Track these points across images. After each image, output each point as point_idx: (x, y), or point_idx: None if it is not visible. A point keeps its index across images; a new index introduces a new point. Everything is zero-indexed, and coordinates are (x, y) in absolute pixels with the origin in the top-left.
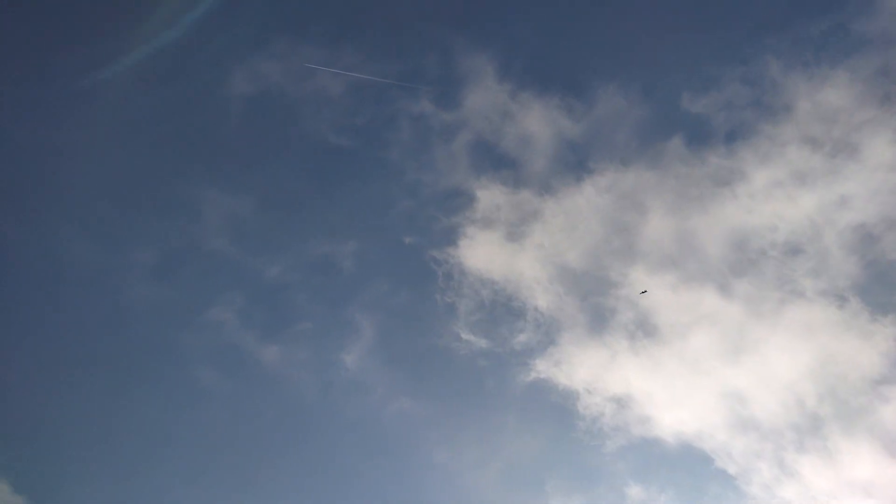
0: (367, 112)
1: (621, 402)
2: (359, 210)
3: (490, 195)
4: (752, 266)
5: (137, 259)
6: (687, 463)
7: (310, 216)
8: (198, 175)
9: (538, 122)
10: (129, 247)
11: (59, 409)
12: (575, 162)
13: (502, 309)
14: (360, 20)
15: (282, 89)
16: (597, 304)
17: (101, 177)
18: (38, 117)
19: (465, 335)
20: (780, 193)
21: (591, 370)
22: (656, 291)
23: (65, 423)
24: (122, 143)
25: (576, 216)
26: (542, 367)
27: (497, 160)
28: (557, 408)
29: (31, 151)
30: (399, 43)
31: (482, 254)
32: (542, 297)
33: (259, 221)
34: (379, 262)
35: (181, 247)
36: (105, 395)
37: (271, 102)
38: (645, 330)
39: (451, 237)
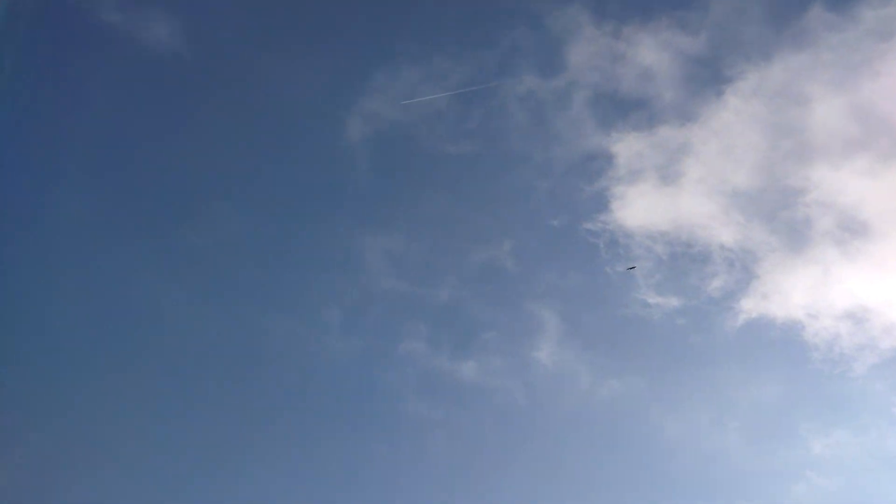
0: (475, 114)
1: (855, 317)
2: (502, 209)
3: (627, 146)
4: None
5: (326, 320)
6: None
7: (458, 230)
8: (349, 224)
9: (653, 52)
10: (317, 311)
11: (289, 466)
12: (708, 77)
13: (684, 259)
14: (432, 37)
15: (392, 124)
16: (787, 219)
17: (274, 247)
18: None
19: (651, 299)
20: None
21: (806, 293)
22: (851, 183)
23: (296, 477)
24: (276, 214)
25: (729, 134)
26: (751, 306)
27: (622, 107)
28: (782, 344)
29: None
30: (480, 36)
31: (640, 209)
32: (723, 232)
33: (414, 252)
34: (538, 253)
35: (357, 296)
36: (328, 450)
37: (386, 138)
38: (852, 230)
39: (600, 204)
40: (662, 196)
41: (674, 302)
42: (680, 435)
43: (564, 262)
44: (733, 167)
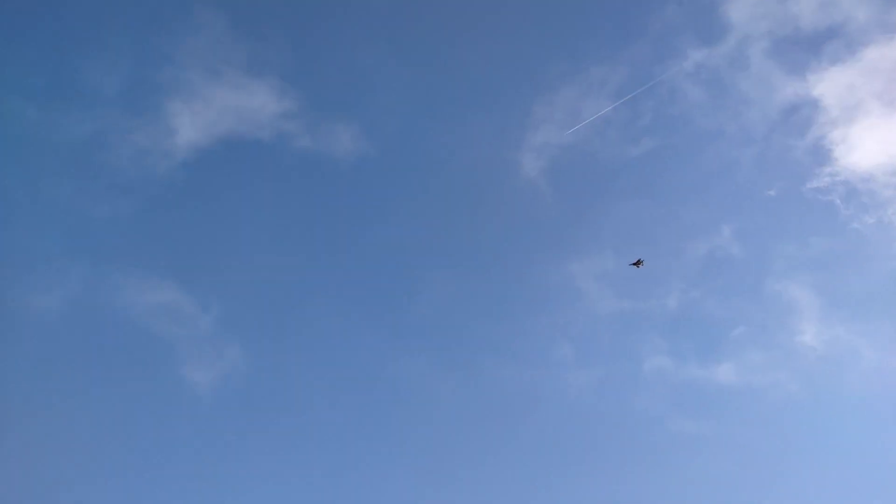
0: (646, 109)
1: None
2: (706, 195)
3: (831, 83)
4: None
5: (558, 357)
6: None
7: (664, 231)
8: (551, 257)
9: None
10: (547, 350)
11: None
12: None
13: None
14: (581, 49)
15: (563, 149)
16: None
17: (488, 300)
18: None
19: None
20: None
21: None
22: None
23: None
24: (483, 268)
25: None
26: None
27: (810, 45)
28: None
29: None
30: (628, 29)
31: (871, 146)
32: None
33: (624, 266)
34: (764, 229)
35: (582, 326)
36: (600, 486)
37: (561, 163)
38: None
39: (819, 156)
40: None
41: None
42: None
43: (799, 231)
44: None
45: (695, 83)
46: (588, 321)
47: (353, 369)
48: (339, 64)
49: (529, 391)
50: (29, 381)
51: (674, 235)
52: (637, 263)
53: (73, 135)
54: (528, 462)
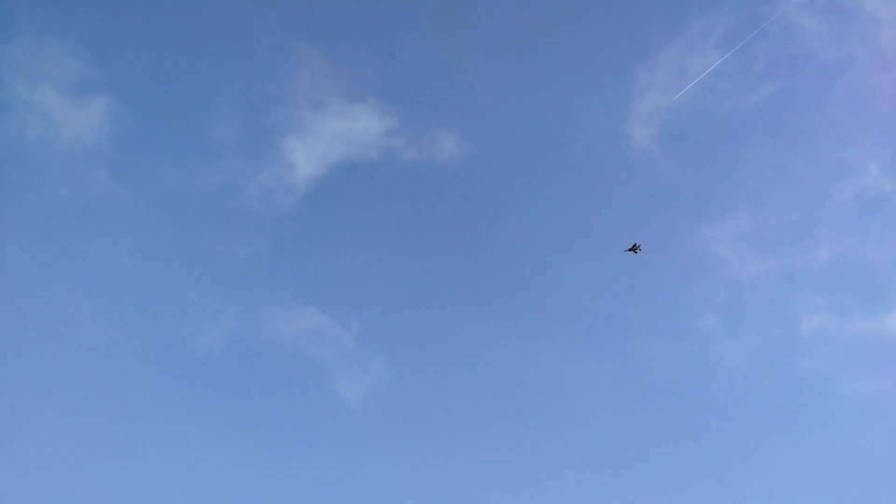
0: (760, 52)
1: None
2: (857, 125)
3: None
4: None
5: (705, 330)
6: None
7: (799, 177)
8: (685, 224)
9: None
10: (692, 325)
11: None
12: None
13: None
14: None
15: (673, 111)
16: None
17: (622, 284)
18: None
19: None
20: None
21: None
22: None
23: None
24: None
25: None
26: None
27: None
28: None
29: None
30: None
31: None
32: None
33: (764, 220)
34: None
35: (726, 294)
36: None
37: (673, 126)
38: None
39: None
40: None
41: None
42: None
43: None
44: None
45: (811, 14)
46: (732, 288)
47: (498, 368)
48: (431, 73)
49: (682, 370)
50: (199, 415)
51: (813, 181)
52: (634, 249)
53: (208, 185)
54: (697, 444)
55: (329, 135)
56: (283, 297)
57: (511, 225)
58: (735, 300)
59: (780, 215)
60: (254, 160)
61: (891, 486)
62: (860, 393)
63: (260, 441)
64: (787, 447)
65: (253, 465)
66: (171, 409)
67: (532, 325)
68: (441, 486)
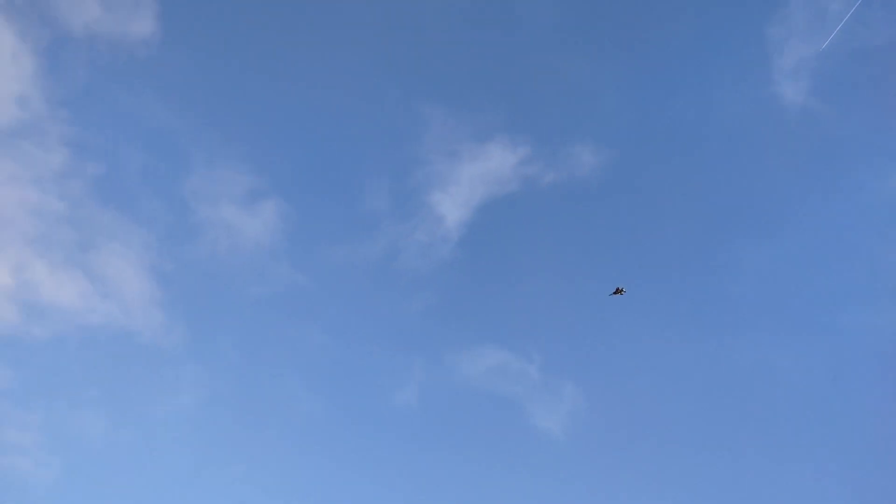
0: None
1: None
2: None
3: None
4: None
5: None
6: None
7: None
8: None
9: None
10: None
11: None
12: None
13: None
14: None
15: (825, 63)
16: None
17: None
18: None
19: None
20: None
21: None
22: None
23: None
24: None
25: None
26: None
27: None
28: None
29: None
30: None
31: None
32: None
33: None
34: None
35: None
36: None
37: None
38: None
39: None
40: None
41: None
42: None
43: None
44: None
45: None
46: None
47: (697, 371)
48: (549, 92)
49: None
50: (409, 465)
51: None
52: (618, 291)
53: (372, 253)
54: None
55: (468, 179)
56: (462, 342)
57: (671, 219)
58: None
59: None
60: (406, 221)
61: None
62: None
63: (475, 482)
64: None
65: None
66: (383, 462)
67: (723, 318)
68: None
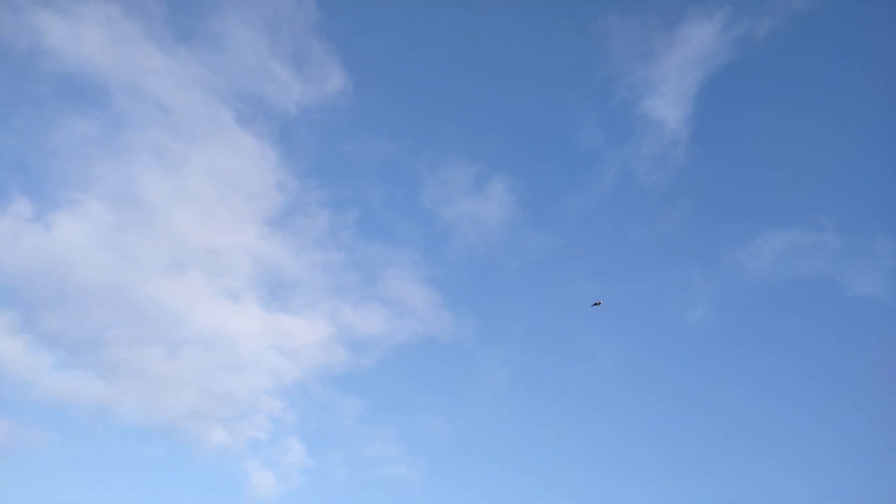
0: None
1: None
2: None
3: None
4: None
5: None
6: None
7: None
8: None
9: None
10: None
11: None
12: None
13: None
14: None
15: None
16: None
17: None
18: None
19: None
20: None
21: None
22: None
23: None
24: None
25: None
26: None
27: None
28: None
29: None
30: None
31: None
32: None
33: None
34: None
35: None
36: None
37: None
38: None
39: None
40: None
41: None
42: None
43: None
44: None
45: None
46: None
47: None
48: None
49: None
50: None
51: None
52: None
53: (608, 187)
54: None
55: (674, 71)
56: (738, 237)
57: None
58: None
59: None
60: (626, 142)
61: None
62: None
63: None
64: None
65: None
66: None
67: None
68: None
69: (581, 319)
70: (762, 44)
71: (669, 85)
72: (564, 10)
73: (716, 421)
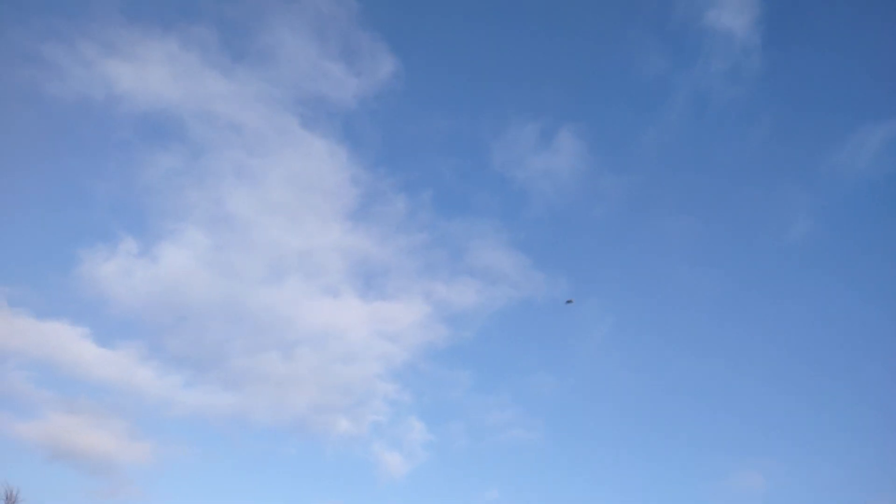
0: None
1: None
2: None
3: None
4: None
5: None
6: None
7: None
8: None
9: None
10: None
11: None
12: None
13: None
14: None
15: None
16: None
17: None
18: None
19: None
20: None
21: None
22: None
23: None
24: None
25: None
26: None
27: None
28: None
29: None
30: None
31: None
32: None
33: None
34: None
35: None
36: None
37: None
38: None
39: None
40: None
41: None
42: None
43: None
44: None
45: None
46: None
47: None
48: None
49: None
50: None
51: None
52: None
53: (681, 111)
54: None
55: None
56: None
57: None
58: None
59: None
60: (694, 61)
61: None
62: None
63: None
64: None
65: None
66: None
67: None
68: None
69: (675, 256)
70: None
71: None
72: None
73: (841, 342)
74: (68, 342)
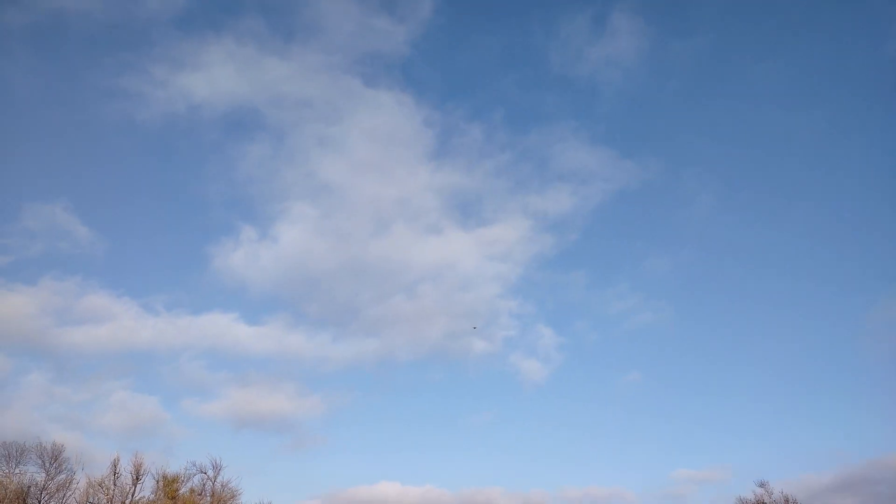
0: None
1: None
2: None
3: None
4: None
5: None
6: None
7: None
8: None
9: None
10: None
11: None
12: None
13: None
14: None
15: None
16: None
17: None
18: None
19: None
20: None
21: None
22: None
23: None
24: None
25: None
26: None
27: None
28: None
29: None
30: None
31: None
32: None
33: None
34: None
35: None
36: None
37: None
38: None
39: None
40: None
41: None
42: None
43: None
44: None
45: None
46: None
47: None
48: None
49: None
50: None
51: None
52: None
53: None
54: None
55: None
56: None
57: None
58: None
59: None
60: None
61: None
62: None
63: None
64: None
65: None
66: None
67: None
68: None
69: (764, 104)
70: None
71: None
72: None
73: None
74: (224, 328)
